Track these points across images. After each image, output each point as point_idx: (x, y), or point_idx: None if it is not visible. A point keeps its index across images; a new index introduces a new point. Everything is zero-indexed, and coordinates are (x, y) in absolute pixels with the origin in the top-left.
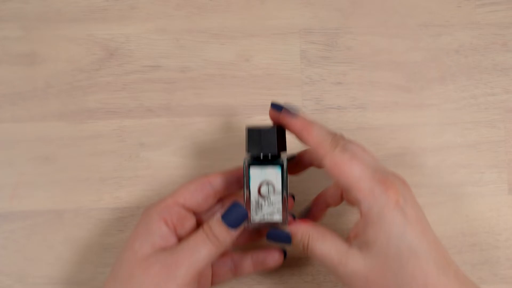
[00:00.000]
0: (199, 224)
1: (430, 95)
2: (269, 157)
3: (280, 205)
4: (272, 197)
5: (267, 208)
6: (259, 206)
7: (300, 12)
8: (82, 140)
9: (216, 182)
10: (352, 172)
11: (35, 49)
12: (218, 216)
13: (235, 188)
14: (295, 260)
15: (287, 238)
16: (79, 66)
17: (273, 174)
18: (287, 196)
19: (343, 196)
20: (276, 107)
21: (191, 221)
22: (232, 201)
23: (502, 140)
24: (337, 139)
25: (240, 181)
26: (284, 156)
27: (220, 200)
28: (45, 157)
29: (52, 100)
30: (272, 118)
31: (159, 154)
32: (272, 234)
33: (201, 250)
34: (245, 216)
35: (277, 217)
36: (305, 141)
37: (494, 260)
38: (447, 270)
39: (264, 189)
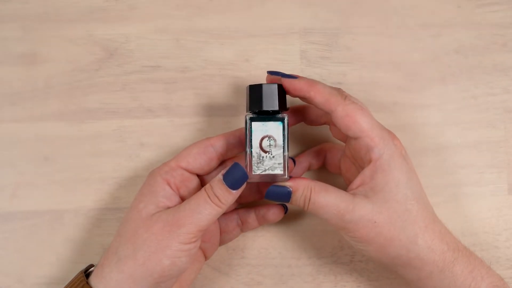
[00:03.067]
0: (203, 185)
1: (430, 95)
2: (271, 112)
3: (281, 159)
4: (274, 151)
5: (269, 161)
6: (260, 159)
7: (300, 12)
8: (82, 140)
9: (218, 145)
10: (364, 121)
11: (35, 49)
12: (219, 176)
13: (237, 150)
14: (295, 260)
15: (287, 194)
16: (79, 66)
17: (274, 129)
18: (288, 152)
19: (326, 160)
20: (274, 73)
21: (194, 183)
22: (233, 162)
23: (502, 140)
24: (342, 92)
25: (242, 142)
26: (285, 114)
27: (223, 162)
28: (45, 157)
29: (52, 100)
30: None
31: (159, 154)
32: (271, 191)
33: (203, 210)
34: (246, 177)
35: (279, 170)
36: (313, 98)
37: (494, 260)
38: (437, 220)
39: (266, 143)
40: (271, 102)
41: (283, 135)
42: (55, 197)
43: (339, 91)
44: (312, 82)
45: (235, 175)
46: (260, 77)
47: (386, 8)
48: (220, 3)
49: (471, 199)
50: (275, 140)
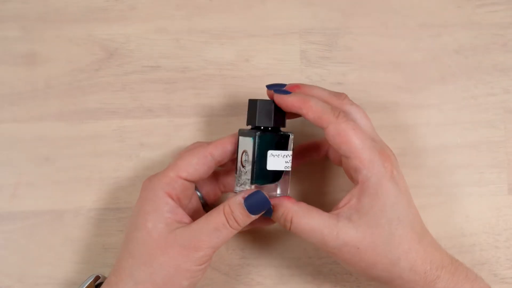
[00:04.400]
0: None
1: (430, 95)
2: (262, 128)
3: (249, 175)
4: (247, 166)
5: (243, 176)
6: (240, 173)
7: (300, 12)
8: (82, 140)
9: (217, 154)
10: (355, 141)
11: (35, 49)
12: (240, 200)
13: (233, 156)
14: (295, 260)
15: (268, 211)
16: (79, 66)
17: (248, 144)
18: (255, 166)
19: (328, 154)
20: (272, 87)
21: (192, 190)
22: (256, 189)
23: (502, 140)
24: (336, 109)
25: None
26: (258, 131)
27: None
28: (45, 157)
29: (52, 100)
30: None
31: (159, 154)
32: None
33: (220, 234)
34: (268, 204)
35: (247, 186)
36: (304, 115)
37: (494, 260)
38: (425, 238)
39: (243, 158)
40: (251, 118)
41: (253, 151)
42: (55, 197)
43: (332, 108)
44: (304, 98)
45: (257, 201)
46: (260, 77)
47: (386, 8)
48: (220, 3)
49: (471, 199)
50: (248, 156)
